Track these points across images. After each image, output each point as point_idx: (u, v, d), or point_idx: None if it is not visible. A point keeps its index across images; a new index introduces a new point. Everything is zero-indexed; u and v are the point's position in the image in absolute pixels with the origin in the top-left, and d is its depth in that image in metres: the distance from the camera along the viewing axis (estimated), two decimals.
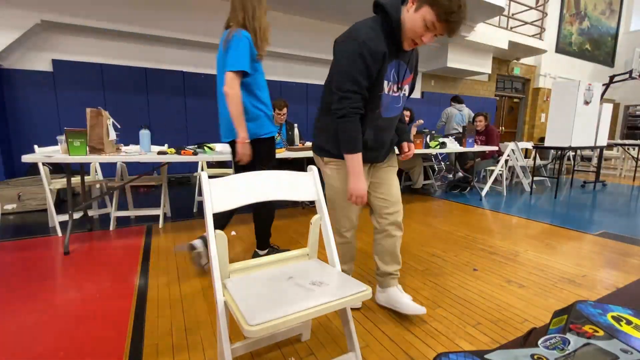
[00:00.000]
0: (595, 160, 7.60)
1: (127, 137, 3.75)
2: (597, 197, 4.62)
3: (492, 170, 4.85)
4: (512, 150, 4.83)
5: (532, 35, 8.13)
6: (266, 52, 1.89)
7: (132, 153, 2.49)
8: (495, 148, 4.70)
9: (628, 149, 7.03)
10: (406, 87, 1.42)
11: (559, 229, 3.05)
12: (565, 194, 4.86)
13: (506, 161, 4.81)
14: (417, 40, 1.22)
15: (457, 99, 5.66)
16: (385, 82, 1.31)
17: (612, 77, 7.29)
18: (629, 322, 0.26)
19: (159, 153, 2.49)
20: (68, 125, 4.58)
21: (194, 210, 3.64)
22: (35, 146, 2.78)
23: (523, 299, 1.74)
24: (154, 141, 3.25)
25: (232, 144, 1.95)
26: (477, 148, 4.43)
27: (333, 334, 1.41)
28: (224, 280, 1.04)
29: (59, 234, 2.75)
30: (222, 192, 1.06)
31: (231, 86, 1.74)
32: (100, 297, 1.71)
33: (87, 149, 2.30)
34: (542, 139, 9.37)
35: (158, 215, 3.08)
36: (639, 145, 6.75)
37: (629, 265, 2.20)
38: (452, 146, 4.24)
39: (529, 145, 5.27)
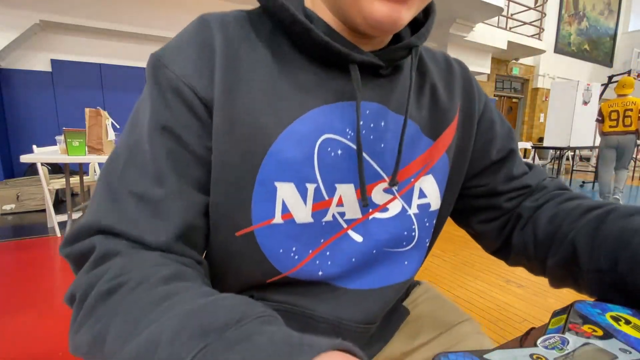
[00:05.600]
0: (594, 160, 7.62)
1: None
2: (595, 197, 4.63)
3: None
4: None
5: (531, 36, 8.14)
6: None
7: None
8: None
9: None
10: (423, 182, 0.43)
11: None
12: None
13: None
14: None
15: None
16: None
17: (610, 77, 7.30)
18: (627, 322, 0.26)
19: None
20: (67, 125, 4.56)
21: None
22: (34, 146, 2.77)
23: (522, 298, 1.74)
24: None
25: None
26: None
27: None
28: None
29: (58, 234, 2.74)
30: None
31: None
32: None
33: (86, 149, 2.29)
34: (541, 139, 9.38)
35: None
36: (638, 145, 6.76)
37: None
38: None
39: (528, 145, 5.29)
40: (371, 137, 0.37)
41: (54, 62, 4.55)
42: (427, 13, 0.39)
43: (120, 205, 0.30)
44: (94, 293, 0.25)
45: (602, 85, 6.59)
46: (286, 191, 0.34)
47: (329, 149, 0.35)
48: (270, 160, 0.33)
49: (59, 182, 3.02)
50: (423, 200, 0.42)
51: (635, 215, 0.33)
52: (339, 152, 0.35)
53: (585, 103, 4.61)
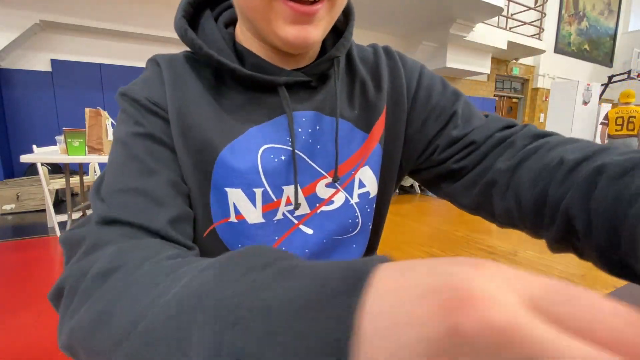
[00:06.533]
0: None
1: None
2: None
3: None
4: None
5: (531, 36, 8.14)
6: None
7: None
8: None
9: None
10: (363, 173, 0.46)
11: None
12: None
13: None
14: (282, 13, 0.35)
15: None
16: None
17: (610, 77, 7.31)
18: None
19: None
20: (67, 125, 4.55)
21: None
22: (34, 146, 2.78)
23: None
24: None
25: None
26: None
27: None
28: None
29: (58, 234, 2.74)
30: None
31: None
32: None
33: (86, 149, 2.29)
34: None
35: None
36: (637, 145, 6.77)
37: None
38: None
39: None
40: (310, 141, 0.41)
41: (54, 62, 4.55)
42: (348, 18, 0.42)
43: (115, 200, 0.32)
44: (90, 276, 0.24)
45: (602, 85, 6.60)
46: (236, 196, 0.38)
47: (272, 156, 0.39)
48: (218, 169, 0.37)
49: (59, 182, 3.02)
50: (363, 190, 0.45)
51: (626, 175, 0.28)
52: (282, 158, 0.40)
53: (585, 103, 4.62)
